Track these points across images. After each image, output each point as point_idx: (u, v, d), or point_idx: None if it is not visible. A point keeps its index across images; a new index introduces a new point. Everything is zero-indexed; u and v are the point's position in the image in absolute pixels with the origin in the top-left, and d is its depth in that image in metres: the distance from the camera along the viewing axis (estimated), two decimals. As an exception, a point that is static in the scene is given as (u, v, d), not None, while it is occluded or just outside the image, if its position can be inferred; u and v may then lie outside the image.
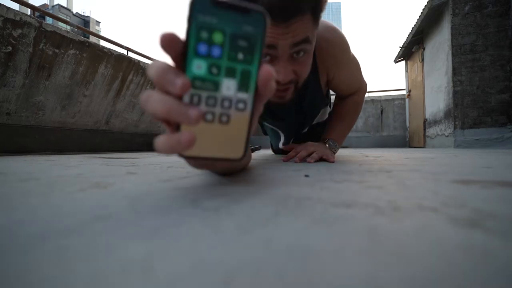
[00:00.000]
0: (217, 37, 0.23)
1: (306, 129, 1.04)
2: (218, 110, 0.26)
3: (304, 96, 0.81)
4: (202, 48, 0.23)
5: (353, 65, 0.85)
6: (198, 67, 0.24)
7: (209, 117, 0.26)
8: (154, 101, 0.23)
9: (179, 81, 0.22)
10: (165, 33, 0.22)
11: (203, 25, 0.23)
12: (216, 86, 0.25)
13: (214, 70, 0.24)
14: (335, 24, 0.78)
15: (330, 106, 1.07)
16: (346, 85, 0.89)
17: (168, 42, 0.22)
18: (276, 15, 0.49)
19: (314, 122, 1.02)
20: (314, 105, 0.89)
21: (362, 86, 0.93)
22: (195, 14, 0.23)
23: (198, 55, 0.24)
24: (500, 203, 0.25)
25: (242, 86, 0.26)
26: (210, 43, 0.24)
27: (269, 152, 1.89)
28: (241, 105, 0.26)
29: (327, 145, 0.85)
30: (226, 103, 0.26)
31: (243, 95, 0.26)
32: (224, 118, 0.26)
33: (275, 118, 0.93)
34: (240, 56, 0.24)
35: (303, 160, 0.77)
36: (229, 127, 0.27)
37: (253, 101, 0.26)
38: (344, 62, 0.80)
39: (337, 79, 0.85)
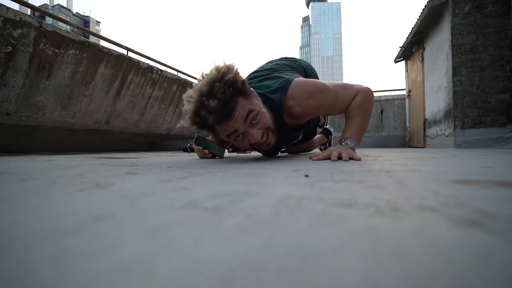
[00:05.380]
0: None
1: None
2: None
3: (282, 138, 1.08)
4: None
5: (330, 97, 0.97)
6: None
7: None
8: (198, 154, 1.14)
9: (201, 155, 1.13)
10: (200, 154, 1.12)
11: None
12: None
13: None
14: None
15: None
16: (336, 109, 1.03)
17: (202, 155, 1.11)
18: (223, 117, 0.78)
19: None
20: (290, 140, 1.21)
21: (359, 91, 0.99)
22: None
23: None
24: (500, 203, 0.25)
25: None
26: None
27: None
28: None
29: (343, 144, 0.94)
30: None
31: None
32: None
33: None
34: None
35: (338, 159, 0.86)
36: None
37: None
38: (315, 106, 0.97)
39: (318, 111, 1.03)
